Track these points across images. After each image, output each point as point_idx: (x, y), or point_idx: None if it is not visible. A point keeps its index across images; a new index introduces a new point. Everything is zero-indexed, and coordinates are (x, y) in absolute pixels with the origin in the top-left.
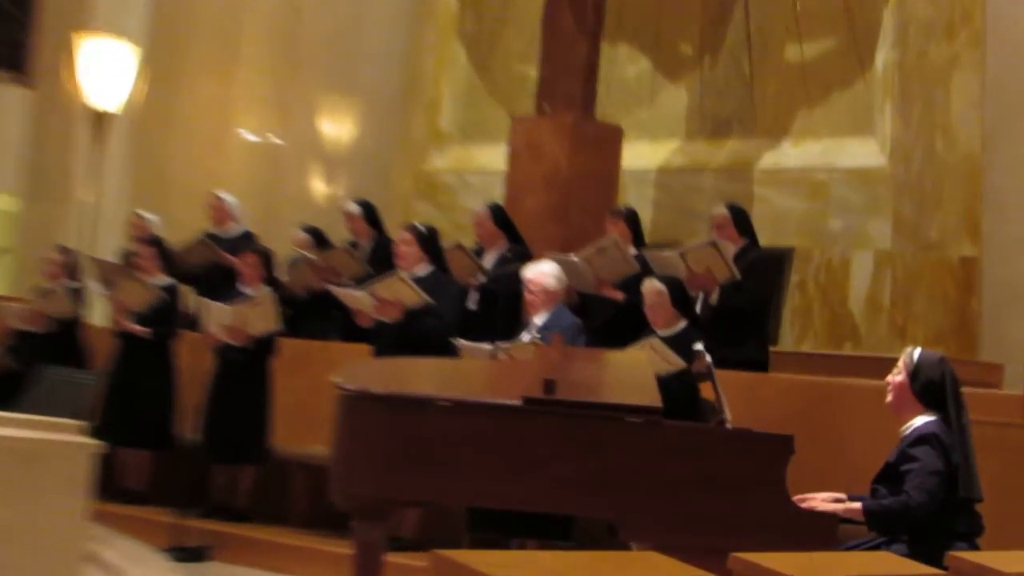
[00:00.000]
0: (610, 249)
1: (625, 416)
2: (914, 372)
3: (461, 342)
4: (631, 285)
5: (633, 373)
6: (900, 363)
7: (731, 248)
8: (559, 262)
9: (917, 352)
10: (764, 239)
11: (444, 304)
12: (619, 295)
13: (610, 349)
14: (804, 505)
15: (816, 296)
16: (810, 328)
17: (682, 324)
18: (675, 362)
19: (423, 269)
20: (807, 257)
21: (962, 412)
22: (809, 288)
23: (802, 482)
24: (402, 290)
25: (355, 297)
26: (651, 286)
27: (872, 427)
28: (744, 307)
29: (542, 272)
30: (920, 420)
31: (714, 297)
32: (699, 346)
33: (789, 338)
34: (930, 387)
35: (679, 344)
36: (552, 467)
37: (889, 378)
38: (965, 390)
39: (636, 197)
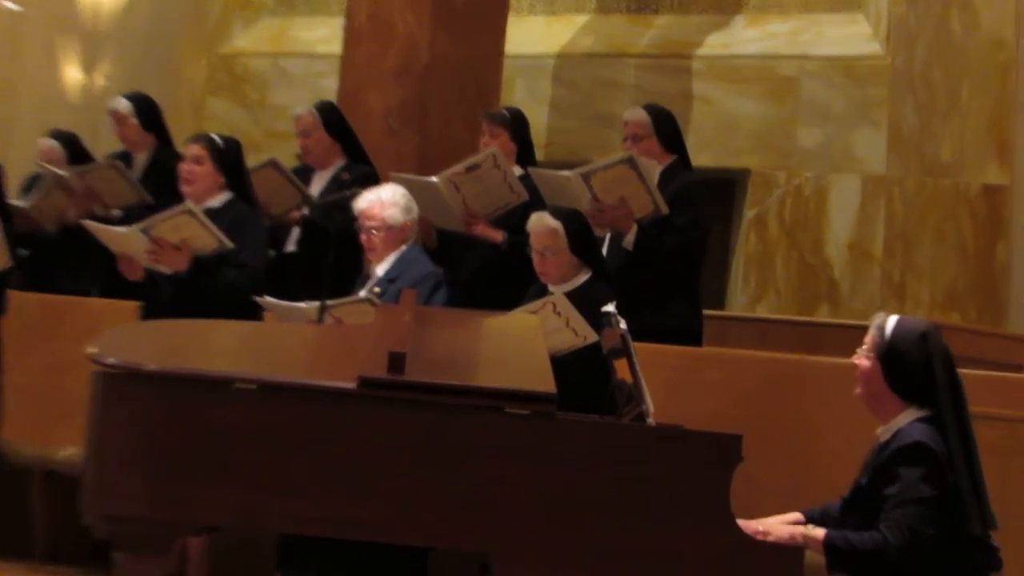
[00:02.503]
0: (486, 169)
1: (505, 406)
2: (886, 353)
3: (272, 300)
4: (516, 221)
5: (517, 346)
6: (867, 338)
7: (655, 169)
8: (411, 186)
9: (890, 323)
10: (705, 157)
11: (249, 247)
12: (498, 235)
13: (485, 311)
14: (759, 536)
15: (780, 239)
16: (770, 285)
17: (583, 277)
18: (582, 331)
19: (220, 197)
20: (767, 184)
21: (962, 406)
22: (770, 228)
23: (755, 501)
24: (189, 228)
25: (121, 237)
26: (541, 223)
27: (854, 423)
28: (673, 253)
29: (384, 201)
30: (904, 420)
31: (630, 239)
32: (609, 308)
33: (740, 298)
34: (910, 375)
35: (579, 305)
36: (399, 478)
37: (855, 360)
38: (985, 374)
39: (525, 95)
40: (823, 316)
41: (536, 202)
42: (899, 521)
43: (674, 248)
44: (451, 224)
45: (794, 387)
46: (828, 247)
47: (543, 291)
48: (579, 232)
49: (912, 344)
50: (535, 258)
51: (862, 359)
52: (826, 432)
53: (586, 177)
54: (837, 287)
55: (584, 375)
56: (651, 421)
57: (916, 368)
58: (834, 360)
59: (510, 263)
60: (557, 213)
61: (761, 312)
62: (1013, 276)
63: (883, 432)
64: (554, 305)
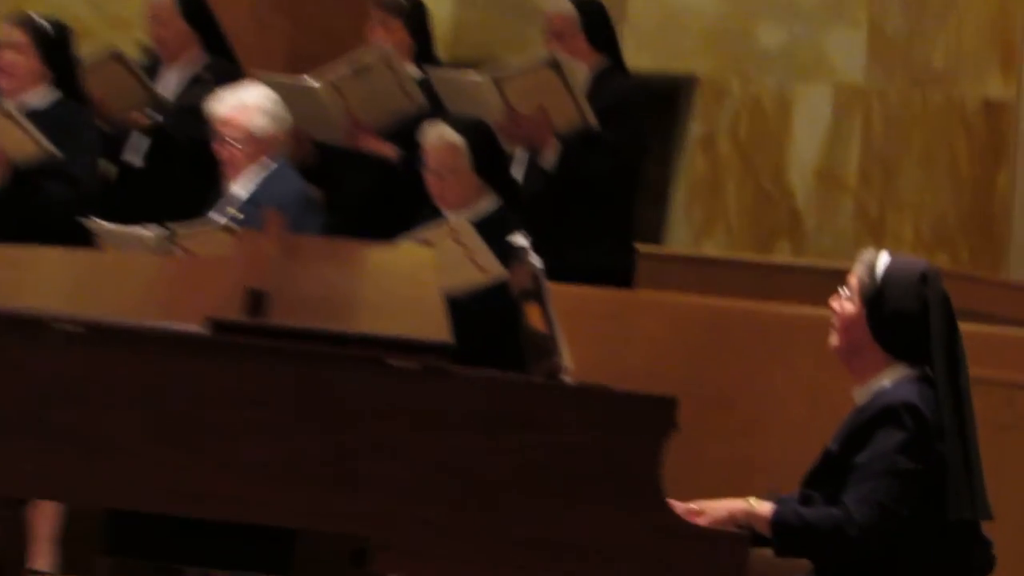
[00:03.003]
0: (376, 69)
1: (388, 358)
2: (874, 297)
3: (105, 225)
4: (410, 133)
5: (406, 285)
6: (852, 279)
7: (582, 72)
8: (282, 90)
9: (882, 260)
10: (644, 59)
11: (79, 157)
12: (389, 151)
13: (369, 242)
14: (698, 519)
15: (733, 162)
16: (720, 217)
17: (489, 203)
18: (488, 266)
19: (44, 95)
20: (719, 94)
21: (959, 367)
22: (721, 148)
23: (696, 481)
24: (5, 131)
25: None
26: (439, 137)
27: (820, 385)
28: (602, 177)
29: (248, 106)
30: (887, 379)
31: (550, 158)
32: (520, 242)
33: (682, 233)
34: (902, 324)
35: (483, 237)
36: (256, 445)
37: (833, 304)
38: (981, 329)
39: None
40: (783, 256)
41: (437, 111)
42: (867, 496)
43: (604, 170)
44: (332, 137)
45: (746, 341)
46: (791, 173)
47: (438, 218)
48: (486, 148)
49: (908, 287)
50: (430, 179)
51: (844, 303)
52: (786, 396)
53: (499, 82)
54: (801, 221)
55: (487, 322)
56: (568, 379)
57: (910, 317)
58: (796, 309)
59: (403, 185)
60: (459, 125)
61: (708, 250)
62: (1015, 212)
63: (861, 394)
64: (455, 234)
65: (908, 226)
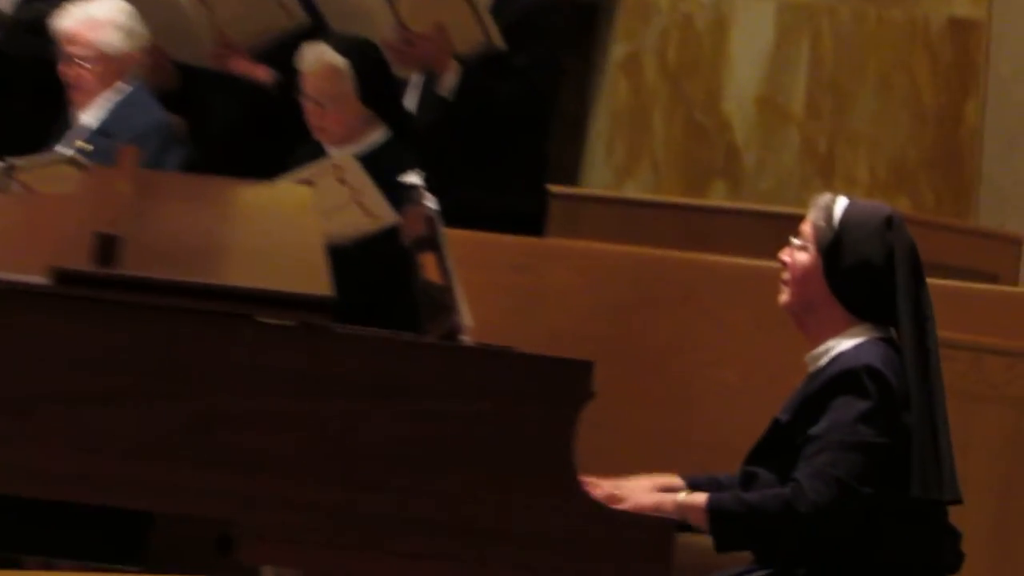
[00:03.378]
0: None
1: (259, 314)
2: (832, 246)
3: None
4: (287, 54)
5: (281, 230)
6: (806, 225)
7: None
8: (137, 1)
9: (840, 204)
10: None
11: None
12: (263, 74)
13: (239, 180)
14: (616, 503)
15: (660, 90)
16: (645, 153)
17: (376, 136)
18: (377, 209)
19: None
20: (644, 10)
21: (927, 328)
22: (647, 74)
23: (616, 456)
24: None
25: None
26: (318, 59)
27: (760, 349)
28: (509, 105)
29: (96, 19)
30: (846, 341)
31: (448, 83)
32: (414, 179)
33: (602, 172)
34: (864, 277)
35: (372, 175)
36: (104, 413)
37: (784, 256)
38: (946, 284)
39: None
40: (718, 198)
41: (318, 29)
42: (822, 469)
43: (511, 98)
44: (196, 58)
45: (675, 296)
46: (728, 102)
47: (319, 153)
48: (373, 73)
49: (871, 234)
50: (309, 108)
51: (796, 253)
52: (720, 360)
53: None
54: (739, 158)
55: (375, 273)
56: (467, 339)
57: (873, 269)
58: (733, 260)
59: (279, 115)
60: (343, 45)
61: (631, 191)
62: (985, 148)
63: (815, 358)
64: (338, 171)
65: (862, 164)
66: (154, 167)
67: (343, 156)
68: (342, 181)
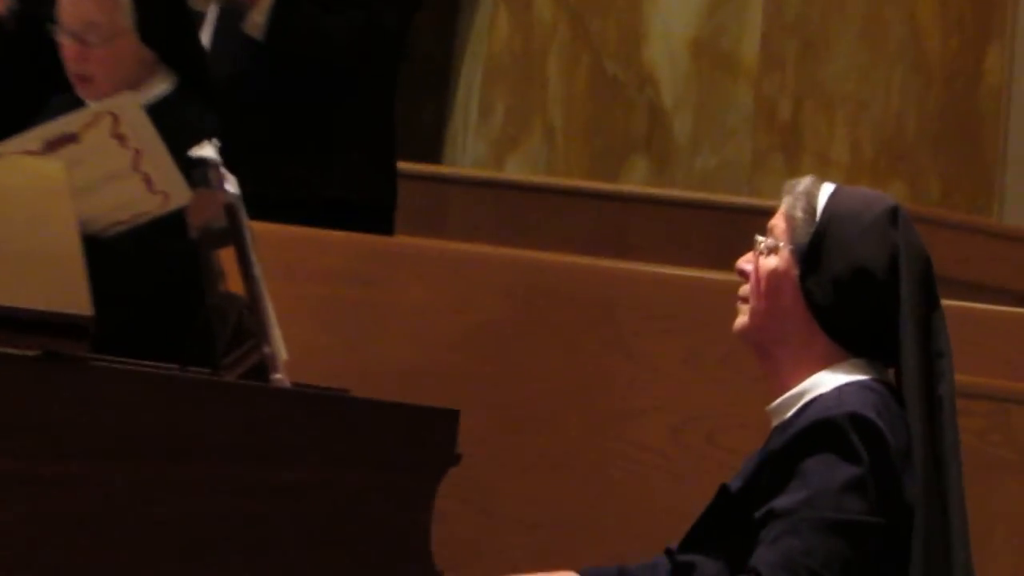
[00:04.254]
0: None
1: None
2: (813, 246)
3: None
4: None
5: (15, 221)
6: (777, 219)
7: None
8: None
9: (825, 191)
10: None
11: None
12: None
13: None
14: None
15: (557, 27)
16: (536, 116)
17: (160, 86)
18: (165, 185)
19: None
20: None
21: (939, 367)
22: (539, 6)
23: (493, 543)
24: None
25: None
26: None
27: (695, 390)
28: (340, 47)
29: None
30: (826, 382)
31: (257, 19)
32: (207, 151)
33: (477, 143)
34: (855, 292)
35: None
36: None
37: (743, 263)
38: (955, 305)
39: None
40: (638, 182)
41: None
42: (792, 560)
43: (344, 37)
44: None
45: (578, 319)
46: (650, 46)
47: (75, 107)
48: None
49: (867, 233)
50: (67, 47)
51: (760, 258)
52: (643, 409)
53: None
54: (667, 126)
55: (153, 279)
56: (280, 378)
57: (869, 281)
58: (659, 269)
59: (14, 55)
60: None
61: (515, 171)
62: (1014, 116)
63: (782, 407)
64: (116, 124)
65: (841, 138)
66: None
67: (125, 101)
68: (120, 138)
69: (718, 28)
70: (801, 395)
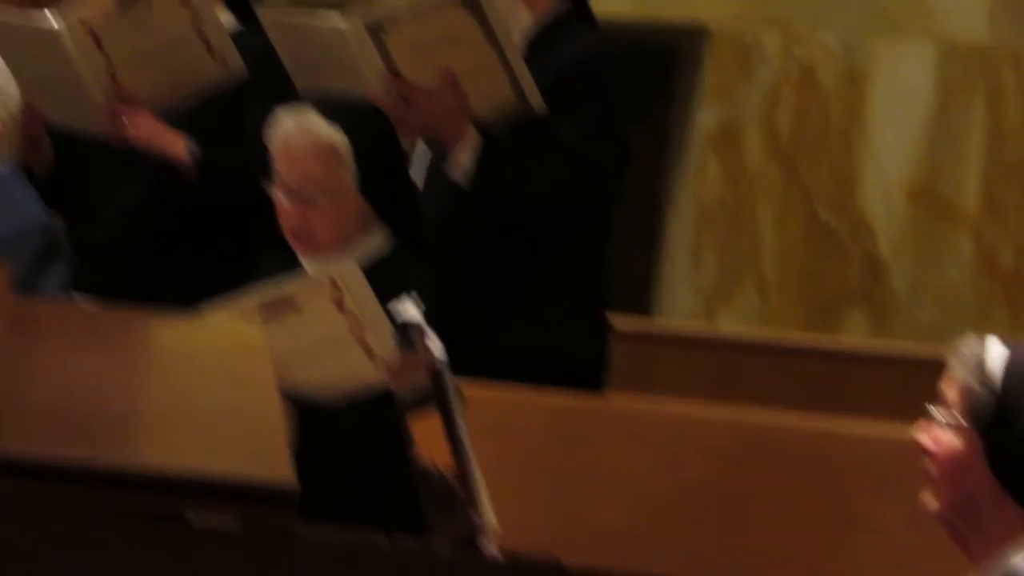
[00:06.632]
0: (158, 5)
1: (189, 510)
2: (997, 419)
3: None
4: (222, 119)
5: (218, 387)
6: (949, 390)
7: (522, 19)
8: None
9: (996, 353)
10: (622, 0)
11: None
12: (179, 145)
13: (153, 308)
14: None
15: (768, 174)
16: (748, 268)
17: (376, 242)
18: (383, 350)
19: None
20: (744, 57)
21: None
22: (749, 150)
23: None
24: None
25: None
26: (303, 130)
27: (919, 555)
28: (551, 197)
29: None
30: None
31: (463, 161)
32: (411, 313)
33: (685, 295)
34: None
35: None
36: None
37: (923, 438)
38: None
39: None
40: (855, 337)
41: (268, 85)
42: None
43: (553, 186)
44: (82, 121)
45: (794, 479)
46: (867, 193)
47: (289, 269)
48: (379, 151)
49: None
50: (285, 206)
51: (939, 433)
52: (860, 574)
53: (376, 29)
54: (885, 276)
55: (362, 446)
56: (491, 547)
57: None
58: (880, 428)
59: (207, 208)
60: (333, 111)
61: (728, 324)
62: None
63: None
64: (337, 291)
65: None
66: (29, 290)
67: (345, 266)
68: (340, 306)
69: (936, 171)
70: (998, 570)
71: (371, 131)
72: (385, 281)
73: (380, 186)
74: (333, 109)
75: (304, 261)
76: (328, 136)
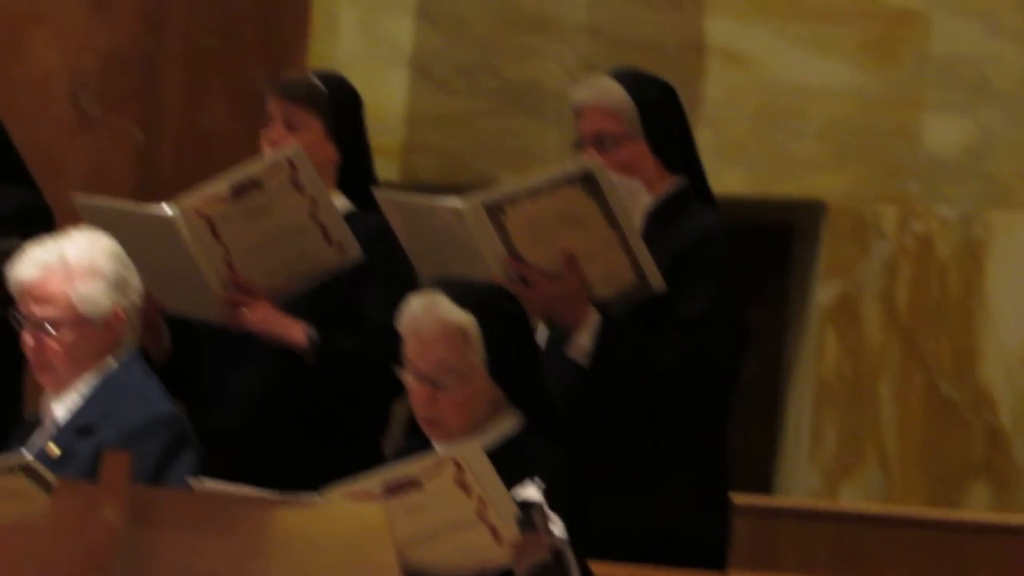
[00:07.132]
0: (273, 189)
1: None
2: None
3: None
4: (339, 303)
5: (337, 562)
6: None
7: (641, 199)
8: (123, 225)
9: None
10: (736, 179)
11: None
12: (299, 332)
13: (275, 494)
14: None
15: (889, 347)
16: (868, 444)
17: (506, 424)
18: (509, 532)
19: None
20: (861, 230)
21: None
22: (868, 324)
23: None
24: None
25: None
26: (431, 313)
27: None
28: (673, 378)
29: (71, 266)
30: None
31: (584, 342)
32: (532, 495)
33: (806, 473)
34: None
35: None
36: None
37: None
38: None
39: (361, 44)
40: (980, 509)
41: (382, 264)
42: None
43: (676, 368)
44: (198, 308)
45: None
46: (986, 362)
47: (416, 451)
48: (507, 333)
49: None
50: (416, 389)
51: None
52: None
53: (495, 210)
54: (1007, 449)
55: None
56: None
57: None
58: None
59: (322, 393)
60: (461, 295)
61: (849, 500)
62: None
63: None
64: (460, 473)
65: None
66: (154, 480)
67: (470, 448)
68: (464, 487)
69: None
70: None
71: (500, 313)
72: (515, 462)
73: (511, 369)
74: (462, 291)
75: (436, 444)
76: (457, 319)
